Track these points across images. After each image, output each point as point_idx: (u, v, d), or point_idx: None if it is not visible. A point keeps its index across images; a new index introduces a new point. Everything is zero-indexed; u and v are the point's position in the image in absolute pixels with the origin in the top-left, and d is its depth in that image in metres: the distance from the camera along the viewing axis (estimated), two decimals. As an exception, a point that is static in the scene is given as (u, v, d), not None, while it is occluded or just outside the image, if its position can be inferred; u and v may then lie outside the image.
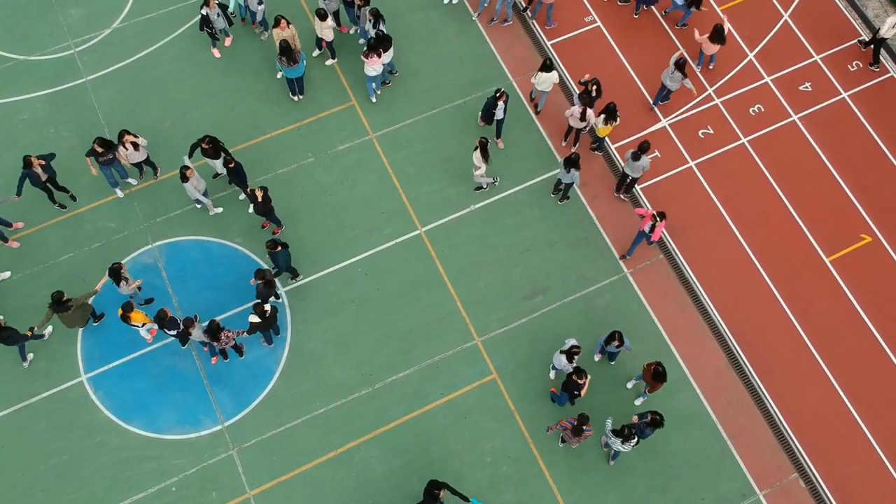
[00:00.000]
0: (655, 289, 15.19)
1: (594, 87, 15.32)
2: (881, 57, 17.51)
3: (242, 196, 15.60)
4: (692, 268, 15.39)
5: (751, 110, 16.98)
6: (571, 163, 14.55)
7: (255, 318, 13.17)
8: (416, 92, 16.87)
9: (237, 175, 14.64)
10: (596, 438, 13.84)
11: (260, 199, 14.09)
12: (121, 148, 14.52)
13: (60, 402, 13.96)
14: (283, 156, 16.10)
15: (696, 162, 16.41)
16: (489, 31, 17.61)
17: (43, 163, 14.21)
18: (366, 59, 15.59)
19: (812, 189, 16.18)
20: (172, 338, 14.00)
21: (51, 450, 13.62)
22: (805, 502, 13.61)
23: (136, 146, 14.58)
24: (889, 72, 17.48)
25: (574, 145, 16.30)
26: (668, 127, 16.74)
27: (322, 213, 15.63)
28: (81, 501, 13.27)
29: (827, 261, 15.53)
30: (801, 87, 17.24)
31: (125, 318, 13.19)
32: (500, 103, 15.21)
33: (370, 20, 15.86)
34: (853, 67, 17.49)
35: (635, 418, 12.63)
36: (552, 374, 14.26)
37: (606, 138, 16.27)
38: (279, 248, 13.62)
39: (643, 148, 14.63)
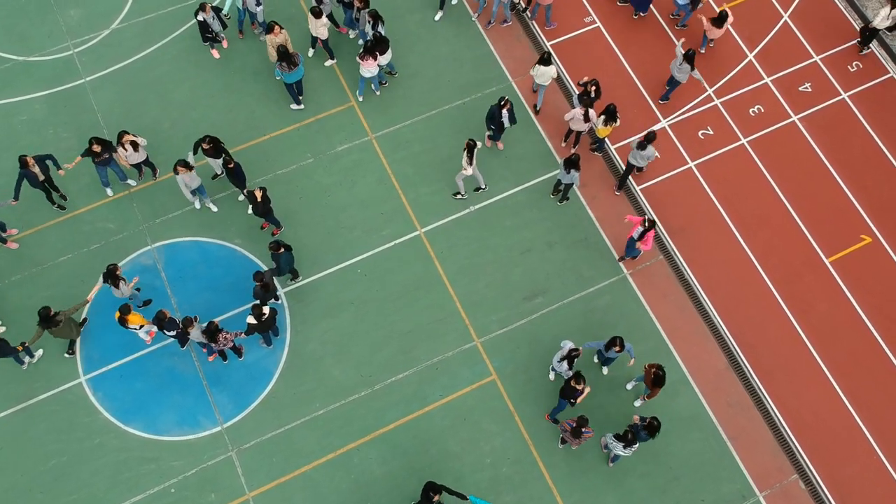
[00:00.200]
0: (655, 290, 15.17)
1: (593, 88, 15.32)
2: (881, 59, 17.48)
3: (242, 197, 15.59)
4: (692, 268, 15.37)
5: (751, 111, 16.96)
6: (571, 164, 14.53)
7: (251, 320, 13.16)
8: (416, 93, 16.85)
9: (236, 175, 14.64)
10: (596, 440, 13.82)
11: (259, 200, 14.07)
12: (120, 149, 14.51)
13: (60, 403, 13.95)
14: (282, 157, 16.08)
15: (695, 162, 16.40)
16: (488, 31, 17.59)
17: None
18: (361, 61, 15.58)
19: (812, 190, 16.16)
20: (171, 339, 13.99)
21: (50, 451, 13.61)
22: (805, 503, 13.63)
23: (135, 146, 14.56)
24: (889, 72, 17.46)
25: (574, 146, 16.30)
26: (667, 127, 16.72)
27: (321, 214, 15.61)
28: (80, 502, 13.26)
29: (827, 262, 15.52)
30: (800, 88, 17.22)
31: (122, 322, 13.18)
32: (505, 111, 15.14)
33: (369, 22, 15.83)
34: (853, 68, 17.47)
35: (636, 417, 12.60)
36: (551, 376, 14.24)
37: (606, 139, 16.26)
38: (282, 249, 13.60)
39: (650, 138, 14.68)
